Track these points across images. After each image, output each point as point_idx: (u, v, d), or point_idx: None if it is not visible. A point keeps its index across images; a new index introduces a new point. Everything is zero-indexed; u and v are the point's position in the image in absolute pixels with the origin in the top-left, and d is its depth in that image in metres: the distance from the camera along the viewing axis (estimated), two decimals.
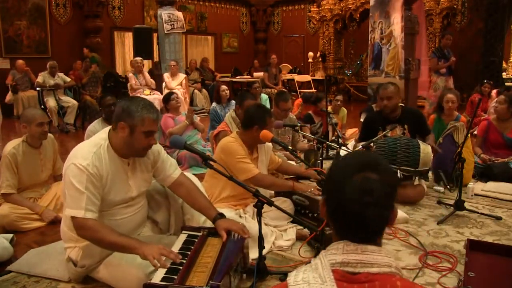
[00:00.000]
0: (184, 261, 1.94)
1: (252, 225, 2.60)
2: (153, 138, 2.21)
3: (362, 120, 5.37)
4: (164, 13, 8.42)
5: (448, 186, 3.92)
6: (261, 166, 3.03)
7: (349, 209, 1.00)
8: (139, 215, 2.40)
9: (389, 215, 1.04)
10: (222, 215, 2.26)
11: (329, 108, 5.60)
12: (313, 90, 10.99)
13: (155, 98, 7.70)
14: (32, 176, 3.35)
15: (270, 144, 3.12)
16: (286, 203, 3.02)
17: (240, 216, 2.80)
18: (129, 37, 11.06)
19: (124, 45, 11.55)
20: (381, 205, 1.01)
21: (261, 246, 2.26)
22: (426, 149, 3.49)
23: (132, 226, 2.33)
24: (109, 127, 2.28)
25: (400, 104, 3.96)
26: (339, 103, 5.97)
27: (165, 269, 1.89)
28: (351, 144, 5.07)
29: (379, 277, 0.96)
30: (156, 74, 8.85)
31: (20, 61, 8.40)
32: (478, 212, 3.37)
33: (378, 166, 1.03)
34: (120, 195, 2.25)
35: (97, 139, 2.24)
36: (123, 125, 2.15)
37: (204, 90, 10.01)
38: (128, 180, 2.28)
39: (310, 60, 12.40)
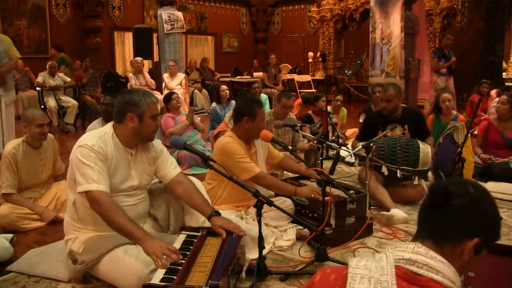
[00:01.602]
0: (184, 261, 1.94)
1: (252, 226, 2.59)
2: (158, 120, 2.39)
3: (361, 120, 5.36)
4: (164, 13, 8.42)
5: None
6: (260, 159, 3.02)
7: (436, 195, 1.04)
8: (139, 206, 2.43)
9: (462, 229, 1.02)
10: (217, 213, 2.27)
11: (329, 108, 5.60)
12: (313, 90, 11.00)
13: None
14: (32, 176, 3.35)
15: None
16: (286, 203, 3.02)
17: (242, 218, 2.79)
18: (129, 37, 11.07)
19: (124, 45, 11.55)
20: (461, 211, 1.01)
21: (261, 246, 2.25)
22: (425, 149, 3.50)
23: (133, 215, 2.33)
24: (111, 123, 2.38)
25: (402, 104, 3.95)
26: (339, 103, 5.97)
27: (165, 269, 1.90)
28: (351, 144, 5.07)
29: None
30: (156, 74, 8.85)
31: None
32: None
33: (483, 194, 1.04)
34: (122, 182, 2.32)
35: (102, 128, 2.38)
36: (132, 115, 2.28)
37: (204, 90, 10.02)
38: (130, 170, 2.36)
39: (310, 60, 12.40)
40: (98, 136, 2.27)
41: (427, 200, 1.06)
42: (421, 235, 1.05)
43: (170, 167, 2.49)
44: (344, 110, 6.13)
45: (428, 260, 0.98)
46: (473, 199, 1.01)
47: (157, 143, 2.53)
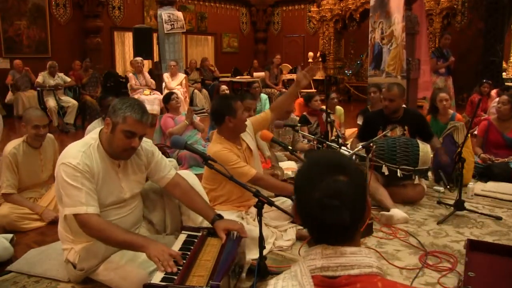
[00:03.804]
0: (184, 261, 1.94)
1: (253, 227, 2.59)
2: (135, 141, 2.12)
3: (359, 122, 5.35)
4: (164, 13, 8.42)
5: (448, 186, 3.92)
6: (253, 150, 2.99)
7: (320, 212, 0.98)
8: (132, 216, 2.37)
9: (361, 214, 1.02)
10: (220, 216, 2.25)
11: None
12: (313, 90, 10.99)
13: (155, 98, 7.71)
14: (32, 176, 3.34)
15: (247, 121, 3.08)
16: (286, 203, 3.02)
17: (242, 218, 2.79)
18: (129, 37, 11.06)
19: (124, 45, 11.55)
20: (352, 206, 0.98)
21: (261, 246, 2.25)
22: (425, 148, 3.50)
23: (125, 226, 2.28)
24: (101, 127, 2.26)
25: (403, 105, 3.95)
26: (335, 100, 5.91)
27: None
28: (350, 143, 5.06)
29: (360, 279, 0.95)
30: (156, 74, 8.86)
31: (17, 61, 8.40)
32: (478, 212, 3.37)
33: (346, 167, 1.01)
34: (112, 196, 2.22)
35: (87, 139, 2.23)
36: (108, 121, 2.14)
37: (204, 90, 10.01)
38: (120, 182, 2.25)
39: (310, 60, 12.39)
40: (83, 150, 2.11)
41: (328, 218, 0.98)
42: (331, 243, 1.01)
43: (165, 170, 2.38)
44: (340, 109, 6.09)
45: (339, 259, 0.97)
46: (354, 186, 0.99)
47: (147, 144, 2.38)
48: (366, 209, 1.03)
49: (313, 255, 1.01)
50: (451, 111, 4.48)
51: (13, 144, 3.24)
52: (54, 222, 3.21)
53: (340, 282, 0.96)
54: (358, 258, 0.98)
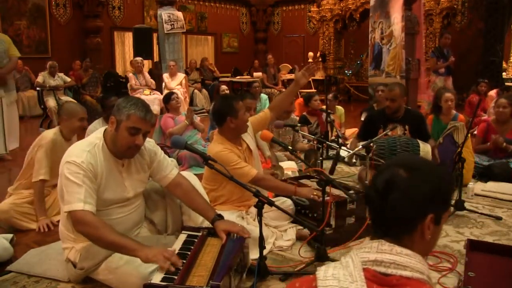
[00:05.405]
0: (184, 261, 1.94)
1: (253, 227, 2.59)
2: (139, 138, 2.16)
3: (363, 119, 5.38)
4: (164, 13, 8.42)
5: None
6: (253, 150, 3.00)
7: (371, 197, 1.03)
8: (135, 215, 2.38)
9: (411, 217, 1.01)
10: (220, 216, 2.25)
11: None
12: (313, 90, 10.99)
13: (155, 98, 7.71)
14: (54, 169, 3.29)
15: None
16: (286, 203, 3.02)
17: (242, 218, 2.79)
18: (129, 37, 11.07)
19: (124, 45, 11.56)
20: (400, 201, 0.99)
21: (261, 246, 2.25)
22: (425, 148, 3.51)
23: (128, 225, 2.31)
24: (105, 127, 2.29)
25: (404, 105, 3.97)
26: (329, 101, 5.87)
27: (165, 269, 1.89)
28: (350, 143, 5.06)
29: (411, 283, 0.95)
30: (156, 74, 8.86)
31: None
32: (478, 212, 3.37)
33: (414, 168, 1.02)
34: (116, 195, 2.24)
35: (92, 138, 2.26)
36: (113, 119, 2.18)
37: (204, 90, 10.02)
38: (123, 181, 2.27)
39: (310, 60, 12.38)
40: (88, 149, 2.15)
41: (366, 203, 1.06)
42: (378, 233, 1.05)
43: (167, 170, 2.41)
44: (341, 109, 6.09)
45: (394, 257, 0.98)
46: (408, 184, 0.99)
47: (150, 144, 2.41)
48: (420, 217, 1.00)
49: (367, 248, 1.02)
50: (454, 112, 4.48)
51: (53, 131, 3.26)
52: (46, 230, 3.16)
53: (391, 281, 0.96)
54: (412, 261, 0.98)
